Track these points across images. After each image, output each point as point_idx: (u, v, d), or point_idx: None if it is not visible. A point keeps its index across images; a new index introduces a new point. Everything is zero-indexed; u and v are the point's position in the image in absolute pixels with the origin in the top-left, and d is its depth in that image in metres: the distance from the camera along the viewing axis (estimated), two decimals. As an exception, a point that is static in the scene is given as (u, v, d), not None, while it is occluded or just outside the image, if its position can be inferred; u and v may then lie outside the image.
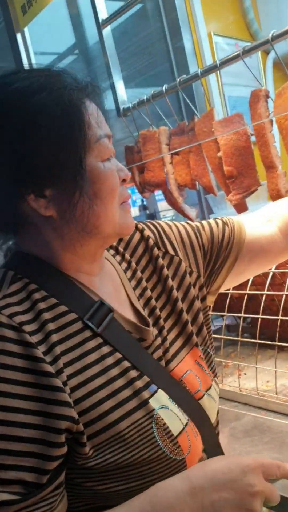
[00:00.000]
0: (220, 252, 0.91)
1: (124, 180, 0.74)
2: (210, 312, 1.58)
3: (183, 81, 1.65)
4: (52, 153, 0.66)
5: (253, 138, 1.52)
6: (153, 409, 0.69)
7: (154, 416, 0.69)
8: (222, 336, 1.53)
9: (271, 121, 1.43)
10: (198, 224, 0.94)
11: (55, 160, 0.66)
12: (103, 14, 1.98)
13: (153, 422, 0.69)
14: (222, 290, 0.96)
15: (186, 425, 0.73)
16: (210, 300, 0.93)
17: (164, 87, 1.71)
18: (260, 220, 0.96)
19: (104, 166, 0.70)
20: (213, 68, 1.56)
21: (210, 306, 0.93)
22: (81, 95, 0.69)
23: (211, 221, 0.94)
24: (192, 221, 1.86)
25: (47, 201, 0.68)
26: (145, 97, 1.77)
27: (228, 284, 0.96)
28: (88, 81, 0.71)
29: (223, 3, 2.75)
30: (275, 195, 1.52)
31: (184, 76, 1.66)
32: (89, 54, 2.71)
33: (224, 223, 0.93)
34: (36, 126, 0.65)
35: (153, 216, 3.01)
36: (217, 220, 0.94)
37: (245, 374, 1.55)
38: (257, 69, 2.75)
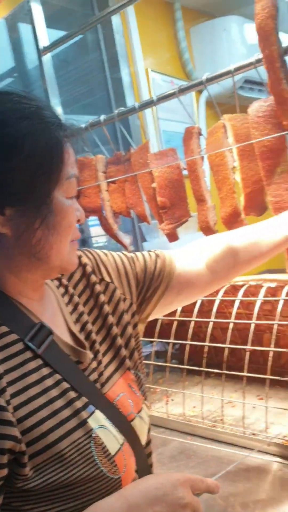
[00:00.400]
0: (152, 282, 0.96)
1: (78, 220, 0.78)
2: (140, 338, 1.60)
3: (120, 113, 1.71)
4: (26, 178, 0.69)
5: (185, 172, 1.59)
6: (92, 429, 0.71)
7: (93, 435, 0.71)
8: (151, 362, 1.56)
9: (203, 157, 1.51)
10: (132, 254, 1.00)
11: (27, 185, 0.69)
12: (44, 42, 2.02)
13: (91, 442, 0.70)
14: (150, 319, 1.01)
15: (122, 444, 0.75)
16: (140, 328, 0.97)
17: (102, 117, 1.75)
18: (189, 255, 1.04)
19: (68, 203, 0.74)
20: (150, 103, 1.63)
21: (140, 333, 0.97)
22: (64, 134, 0.73)
23: (145, 253, 1.01)
24: (126, 247, 1.90)
25: (5, 219, 0.70)
26: (83, 125, 1.81)
27: (156, 314, 1.01)
28: (71, 124, 0.77)
29: (160, 42, 2.89)
30: (204, 227, 1.60)
31: (122, 108, 1.72)
32: (28, 78, 2.72)
33: (157, 256, 0.99)
34: (19, 149, 0.68)
35: (85, 241, 3.01)
36: (151, 252, 1.01)
37: (172, 400, 1.58)
38: (191, 106, 2.89)
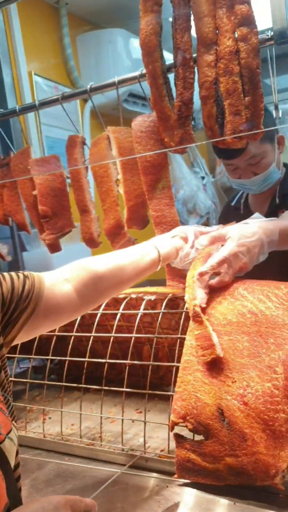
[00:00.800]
0: (19, 303, 0.93)
1: None
2: (17, 355, 1.51)
3: None
4: None
5: (69, 181, 1.55)
6: None
7: None
8: (28, 380, 1.47)
9: (87, 168, 1.48)
10: None
11: None
12: None
13: None
14: (15, 343, 0.97)
15: None
16: (3, 352, 0.92)
17: (-20, 117, 1.64)
18: (59, 278, 1.02)
19: None
20: (32, 108, 1.57)
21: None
22: None
23: (13, 273, 0.97)
24: (3, 258, 1.80)
25: None
26: None
27: (22, 338, 0.97)
28: None
29: (45, 46, 2.82)
30: (88, 238, 1.57)
31: (1, 110, 1.63)
32: None
33: (25, 277, 0.96)
34: None
35: None
36: (19, 273, 0.98)
37: (50, 418, 1.51)
38: (75, 114, 2.85)
